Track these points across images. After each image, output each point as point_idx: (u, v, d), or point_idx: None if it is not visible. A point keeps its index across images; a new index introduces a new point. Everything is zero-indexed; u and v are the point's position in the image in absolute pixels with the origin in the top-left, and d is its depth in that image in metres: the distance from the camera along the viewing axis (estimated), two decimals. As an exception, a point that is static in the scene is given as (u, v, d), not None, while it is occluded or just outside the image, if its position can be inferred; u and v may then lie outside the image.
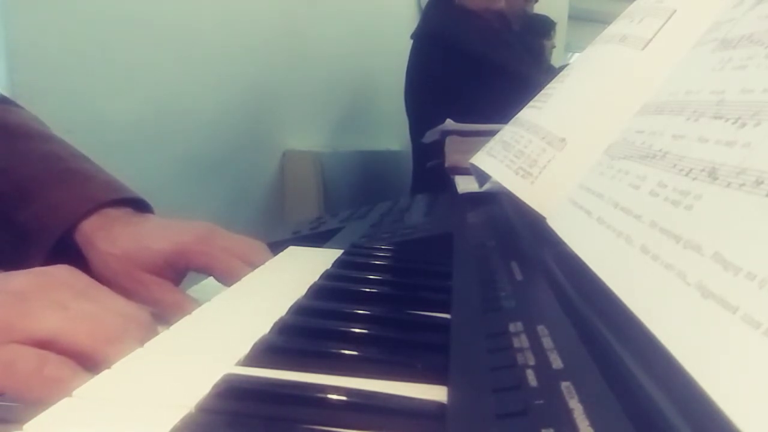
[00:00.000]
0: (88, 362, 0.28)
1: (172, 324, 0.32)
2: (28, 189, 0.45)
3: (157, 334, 0.32)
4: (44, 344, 0.28)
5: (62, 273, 0.32)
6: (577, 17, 3.38)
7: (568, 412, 0.19)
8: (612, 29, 0.50)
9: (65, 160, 0.48)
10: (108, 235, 0.44)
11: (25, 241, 0.43)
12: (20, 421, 0.21)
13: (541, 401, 0.21)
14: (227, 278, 0.44)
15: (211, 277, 0.47)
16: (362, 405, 0.23)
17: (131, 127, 1.11)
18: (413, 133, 1.59)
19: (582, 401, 0.20)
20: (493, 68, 1.42)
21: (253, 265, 0.45)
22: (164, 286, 0.44)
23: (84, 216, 0.44)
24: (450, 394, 0.24)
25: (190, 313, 0.34)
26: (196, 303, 0.38)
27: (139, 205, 0.49)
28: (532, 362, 0.24)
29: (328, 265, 0.44)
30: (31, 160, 0.47)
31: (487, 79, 1.39)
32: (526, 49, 1.64)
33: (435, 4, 1.59)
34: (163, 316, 0.39)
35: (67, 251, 0.44)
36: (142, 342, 0.29)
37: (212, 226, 0.47)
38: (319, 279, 0.41)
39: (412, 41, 1.56)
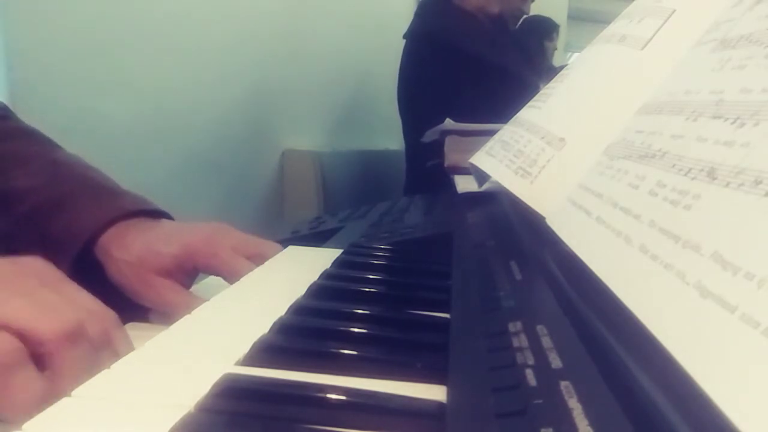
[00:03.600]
0: (41, 351, 0.27)
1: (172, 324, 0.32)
2: (60, 204, 0.47)
3: (124, 336, 0.32)
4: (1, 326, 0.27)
5: (34, 263, 0.32)
6: (576, 17, 3.38)
7: (567, 412, 0.19)
8: (611, 29, 0.50)
9: (95, 179, 0.50)
10: (122, 243, 0.45)
11: (54, 252, 0.44)
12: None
13: (541, 401, 0.21)
14: (234, 279, 0.44)
15: (213, 276, 0.47)
16: (362, 405, 0.23)
17: (130, 126, 1.11)
18: (406, 133, 1.59)
19: (581, 401, 0.20)
20: (487, 68, 1.42)
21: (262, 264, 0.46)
22: (173, 288, 0.44)
23: (102, 228, 0.45)
24: (449, 394, 0.24)
25: (189, 312, 0.34)
26: (203, 303, 0.39)
27: (157, 215, 0.50)
28: (531, 362, 0.24)
29: (328, 265, 0.44)
30: (67, 179, 0.49)
31: (480, 79, 1.39)
32: (522, 50, 1.64)
33: (429, 4, 1.59)
34: (172, 317, 0.39)
35: (90, 264, 0.45)
36: (93, 353, 0.29)
37: (223, 226, 0.48)
38: (318, 279, 0.41)
39: (404, 41, 1.56)
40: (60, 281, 0.32)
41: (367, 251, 0.50)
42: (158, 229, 0.48)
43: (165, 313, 0.43)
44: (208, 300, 0.37)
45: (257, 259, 0.46)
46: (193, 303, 0.42)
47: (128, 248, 0.45)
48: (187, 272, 0.46)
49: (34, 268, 0.32)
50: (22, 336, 0.27)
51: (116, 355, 0.30)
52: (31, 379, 0.27)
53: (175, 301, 0.44)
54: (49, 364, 0.28)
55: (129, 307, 0.43)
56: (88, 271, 0.44)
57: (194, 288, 0.47)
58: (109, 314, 0.32)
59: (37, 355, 0.27)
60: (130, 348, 0.32)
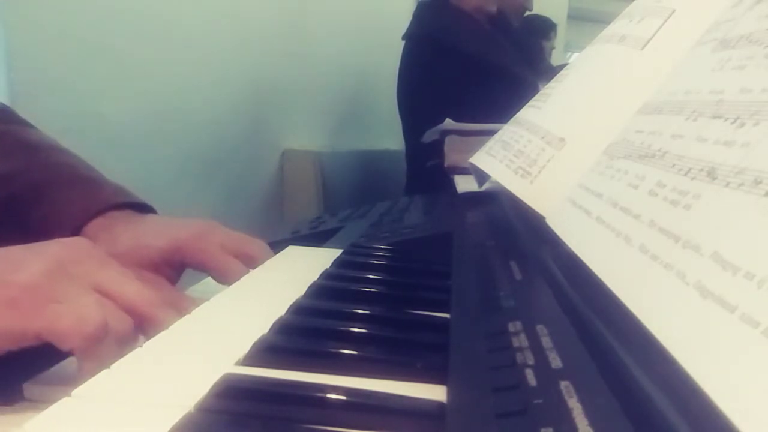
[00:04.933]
0: (139, 320, 0.32)
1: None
2: (39, 193, 0.46)
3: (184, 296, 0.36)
4: (108, 295, 0.31)
5: (85, 243, 0.34)
6: (576, 17, 3.38)
7: (567, 412, 0.19)
8: (611, 29, 0.50)
9: (76, 167, 0.50)
10: (109, 236, 0.45)
11: (35, 240, 0.44)
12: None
13: (540, 400, 0.21)
14: (222, 276, 0.44)
15: (209, 278, 0.47)
16: (362, 404, 0.23)
17: (130, 126, 1.11)
18: (406, 134, 1.59)
19: (581, 400, 0.20)
20: (486, 68, 1.42)
21: (251, 263, 0.45)
22: (159, 284, 0.44)
23: (90, 218, 0.45)
24: (449, 394, 0.24)
25: (189, 312, 0.34)
26: (191, 300, 0.39)
27: (142, 209, 0.50)
28: (531, 361, 0.24)
29: (328, 265, 0.44)
30: (46, 167, 0.49)
31: (480, 79, 1.39)
32: (521, 49, 1.64)
33: (427, 5, 1.59)
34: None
35: None
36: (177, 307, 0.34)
37: (212, 223, 0.48)
38: (318, 278, 0.41)
39: (403, 42, 1.56)
40: (101, 265, 0.33)
41: (367, 251, 0.50)
42: (146, 223, 0.47)
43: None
44: (201, 298, 0.37)
45: (245, 258, 0.46)
46: (180, 299, 0.42)
47: (115, 240, 0.44)
48: (174, 267, 0.45)
49: (88, 248, 0.34)
50: (125, 306, 0.31)
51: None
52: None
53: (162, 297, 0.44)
54: (148, 330, 0.32)
55: None
56: None
57: (193, 288, 0.47)
58: (150, 298, 0.34)
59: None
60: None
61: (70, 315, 0.28)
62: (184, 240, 0.45)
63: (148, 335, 0.31)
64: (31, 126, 0.55)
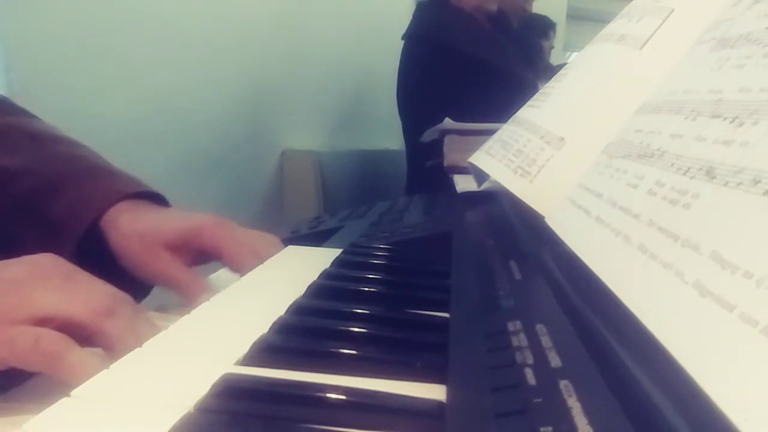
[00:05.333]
0: (86, 333, 0.30)
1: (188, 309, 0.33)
2: (57, 185, 0.47)
3: (144, 316, 0.34)
4: (44, 322, 0.30)
5: (48, 260, 0.34)
6: (575, 16, 3.38)
7: (567, 411, 0.19)
8: (610, 28, 0.50)
9: (91, 159, 0.51)
10: (132, 216, 0.46)
11: (54, 234, 0.46)
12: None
13: (540, 400, 0.21)
14: (236, 264, 0.45)
15: (220, 271, 0.48)
16: (361, 404, 0.23)
17: (129, 125, 1.11)
18: (406, 134, 1.59)
19: (580, 400, 0.20)
20: (486, 68, 1.42)
21: (263, 259, 0.46)
22: (179, 265, 0.45)
23: (110, 205, 0.46)
24: (449, 393, 0.24)
25: (207, 298, 0.36)
26: (207, 284, 0.39)
27: (158, 200, 0.51)
28: (530, 361, 0.24)
29: (327, 265, 0.44)
30: (59, 159, 0.49)
31: (479, 78, 1.39)
32: (521, 49, 1.64)
33: (426, 4, 1.59)
34: (187, 305, 0.40)
35: (91, 245, 0.46)
36: (132, 321, 0.31)
37: (227, 219, 0.49)
38: (318, 278, 0.41)
39: (403, 42, 1.56)
40: (75, 272, 0.33)
41: (366, 251, 0.50)
42: (167, 210, 0.49)
43: (181, 302, 0.43)
44: (216, 289, 0.38)
45: (258, 252, 0.47)
46: (197, 281, 0.44)
47: (137, 220, 0.46)
48: (192, 251, 0.46)
49: (50, 265, 0.33)
50: (63, 327, 0.30)
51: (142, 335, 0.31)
52: (84, 356, 0.29)
53: (180, 278, 0.44)
54: (97, 342, 0.30)
55: (129, 291, 0.44)
56: (90, 254, 0.44)
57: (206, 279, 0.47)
58: (127, 297, 0.34)
59: (85, 338, 0.30)
60: (154, 328, 0.33)
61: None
62: (204, 225, 0.46)
63: (105, 347, 0.31)
64: (31, 115, 0.55)
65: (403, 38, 1.56)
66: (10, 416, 0.26)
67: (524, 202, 0.42)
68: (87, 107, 1.03)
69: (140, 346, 0.29)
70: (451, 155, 0.92)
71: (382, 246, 0.52)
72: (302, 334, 0.31)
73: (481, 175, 0.60)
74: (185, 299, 0.42)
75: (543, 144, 0.45)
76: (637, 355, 0.21)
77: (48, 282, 0.32)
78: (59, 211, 0.46)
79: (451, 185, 0.80)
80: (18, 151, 0.48)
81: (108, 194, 0.46)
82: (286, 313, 0.33)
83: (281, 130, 1.62)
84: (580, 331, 0.25)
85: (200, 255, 0.47)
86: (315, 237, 0.62)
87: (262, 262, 0.45)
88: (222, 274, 0.48)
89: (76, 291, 0.32)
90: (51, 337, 0.29)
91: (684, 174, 0.24)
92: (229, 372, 0.25)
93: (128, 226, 0.45)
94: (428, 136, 1.08)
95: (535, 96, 0.55)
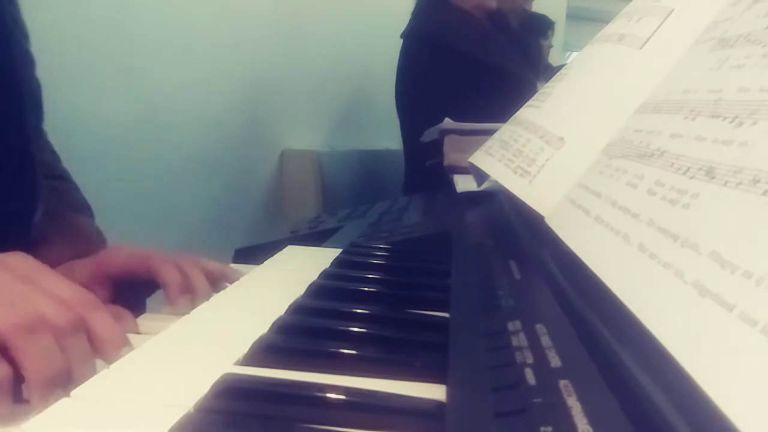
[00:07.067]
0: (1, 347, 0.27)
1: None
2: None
3: (104, 318, 0.31)
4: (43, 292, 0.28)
5: (11, 258, 0.32)
6: (575, 16, 3.38)
7: (567, 411, 0.19)
8: (610, 28, 0.50)
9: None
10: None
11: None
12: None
13: (540, 399, 0.21)
14: (171, 291, 0.42)
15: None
16: (361, 404, 0.23)
17: (128, 125, 1.11)
18: (405, 133, 1.59)
19: (580, 399, 0.20)
20: (485, 67, 1.42)
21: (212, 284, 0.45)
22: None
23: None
24: (449, 393, 0.24)
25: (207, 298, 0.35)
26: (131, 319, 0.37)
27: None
28: (530, 361, 0.24)
29: (327, 265, 0.44)
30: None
31: (478, 78, 1.39)
32: (521, 48, 1.64)
33: (425, 3, 1.58)
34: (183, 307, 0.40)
35: None
36: (75, 328, 0.29)
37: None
38: (317, 278, 0.41)
39: (402, 41, 1.56)
40: (36, 272, 0.31)
41: (366, 251, 0.51)
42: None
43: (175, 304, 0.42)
44: (209, 300, 0.37)
45: (212, 278, 0.44)
46: (120, 312, 0.40)
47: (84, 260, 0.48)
48: (138, 276, 0.45)
49: (10, 263, 0.31)
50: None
51: (98, 340, 0.30)
52: None
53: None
54: (13, 356, 0.27)
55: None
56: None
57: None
58: (85, 299, 0.31)
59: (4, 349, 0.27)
60: (113, 329, 0.31)
61: None
62: (150, 252, 0.45)
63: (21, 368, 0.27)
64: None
65: (402, 37, 1.56)
66: (10, 416, 0.26)
67: (524, 202, 0.42)
68: (86, 107, 1.03)
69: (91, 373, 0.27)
70: (450, 155, 0.92)
71: (381, 246, 0.52)
72: (302, 334, 0.31)
73: (480, 175, 0.60)
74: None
75: (543, 144, 0.45)
76: (637, 355, 0.21)
77: (36, 269, 0.30)
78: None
79: (450, 185, 0.80)
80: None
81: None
82: (285, 313, 0.33)
83: (281, 129, 1.62)
84: (580, 330, 0.25)
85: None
86: (315, 237, 0.62)
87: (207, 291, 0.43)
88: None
89: (12, 296, 0.29)
90: None
91: (683, 174, 0.24)
92: (228, 372, 0.25)
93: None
94: (428, 135, 1.08)
95: (535, 96, 0.55)
